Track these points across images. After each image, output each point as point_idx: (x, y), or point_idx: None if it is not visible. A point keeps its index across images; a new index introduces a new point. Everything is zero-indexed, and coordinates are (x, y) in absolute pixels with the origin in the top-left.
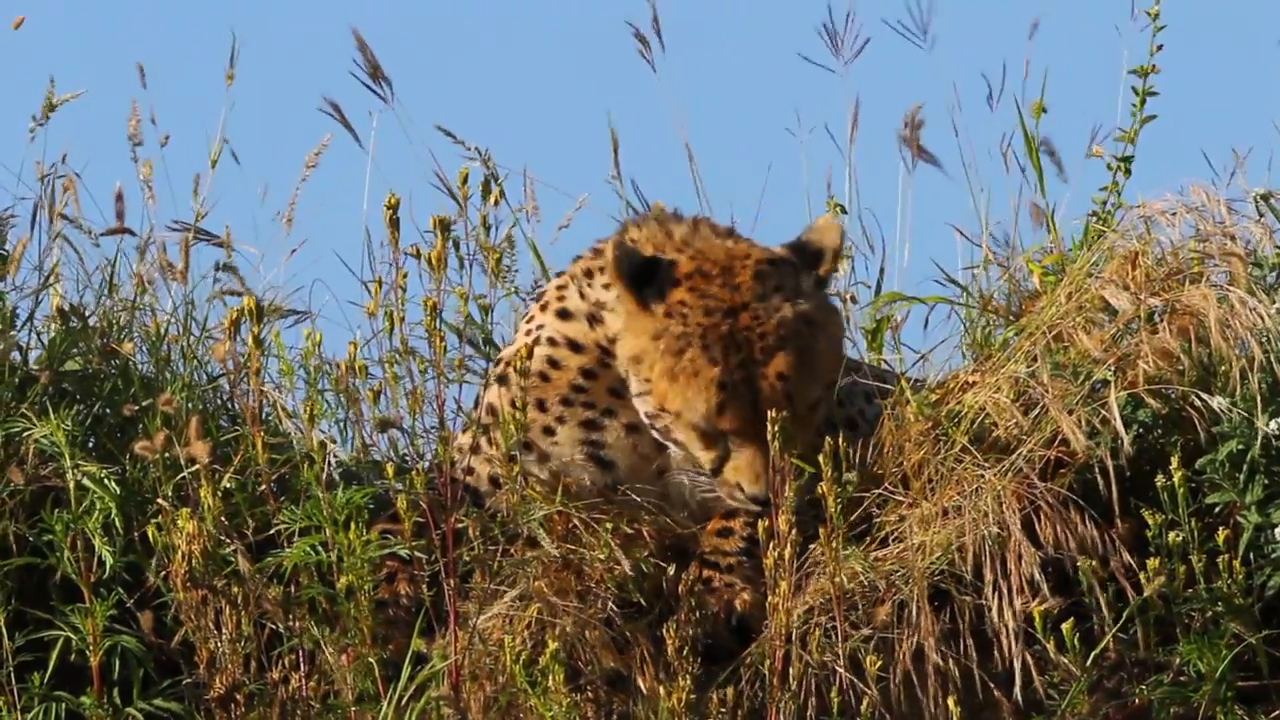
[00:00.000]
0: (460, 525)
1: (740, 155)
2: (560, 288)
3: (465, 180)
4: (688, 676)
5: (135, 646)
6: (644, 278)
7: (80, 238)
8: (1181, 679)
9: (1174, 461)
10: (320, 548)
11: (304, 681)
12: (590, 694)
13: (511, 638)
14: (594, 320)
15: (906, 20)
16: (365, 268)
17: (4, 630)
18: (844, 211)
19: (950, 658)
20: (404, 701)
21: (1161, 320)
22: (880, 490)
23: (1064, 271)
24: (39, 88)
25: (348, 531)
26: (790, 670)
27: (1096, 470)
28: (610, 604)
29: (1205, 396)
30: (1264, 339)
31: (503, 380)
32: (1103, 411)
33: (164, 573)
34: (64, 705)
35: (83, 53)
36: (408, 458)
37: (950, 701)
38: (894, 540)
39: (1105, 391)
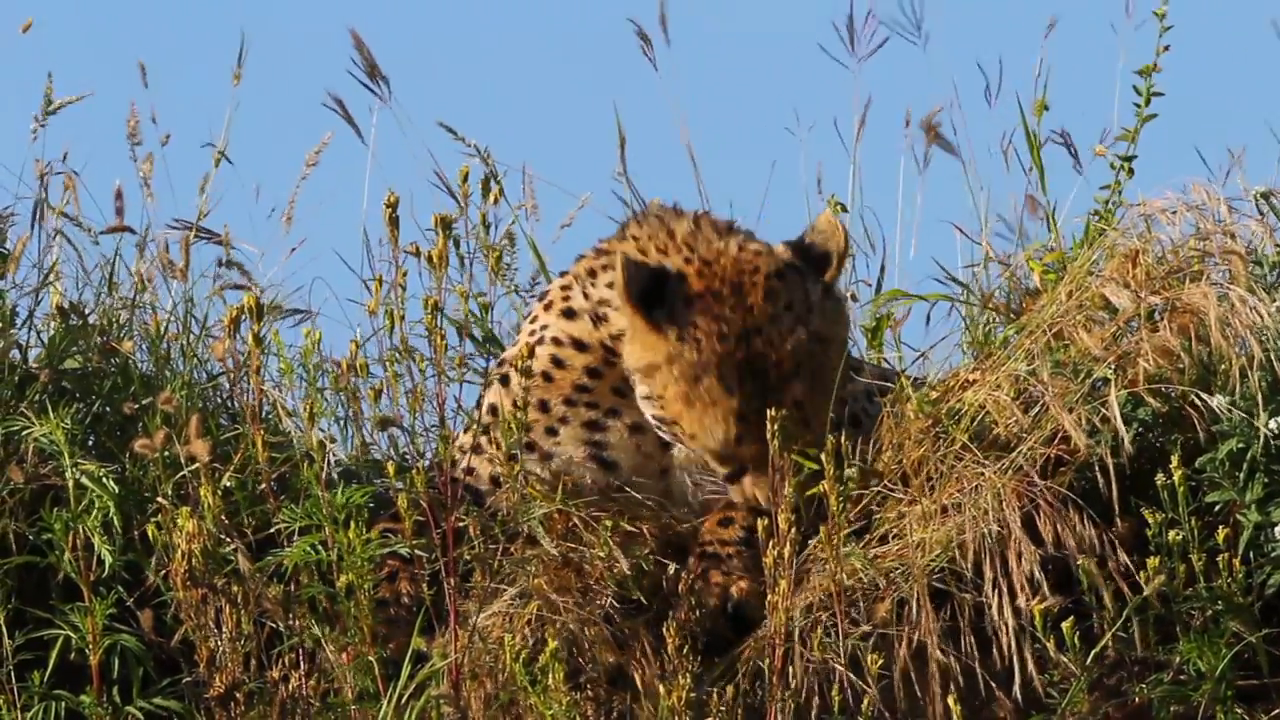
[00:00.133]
0: (461, 524)
1: (741, 153)
2: (565, 288)
3: (466, 178)
4: (688, 675)
5: (135, 645)
6: (653, 294)
7: (80, 236)
8: (1181, 678)
9: (1174, 460)
10: (320, 546)
11: (304, 680)
12: (590, 692)
13: (511, 636)
14: (598, 319)
15: (900, 18)
16: (365, 266)
17: (4, 629)
18: (844, 210)
19: (951, 655)
20: (404, 700)
21: (1162, 318)
22: (880, 487)
23: (1065, 270)
24: (41, 86)
25: (347, 530)
26: (790, 669)
27: (1097, 469)
28: (610, 601)
29: (1205, 396)
30: (1264, 337)
31: (505, 381)
32: (1103, 410)
33: (164, 571)
34: (64, 704)
35: (84, 51)
36: (408, 456)
37: (950, 700)
38: (894, 538)
39: (1105, 390)
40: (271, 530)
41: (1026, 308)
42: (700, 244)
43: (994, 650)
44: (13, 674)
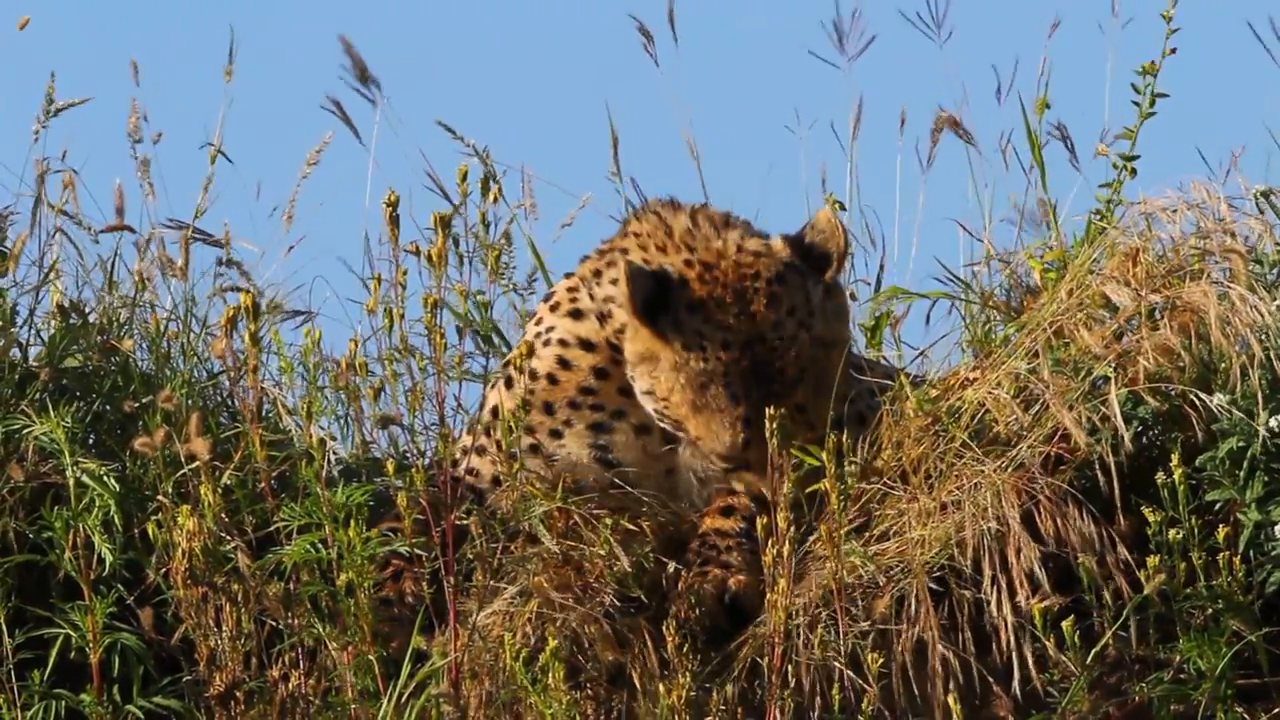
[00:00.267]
0: (461, 523)
1: (742, 151)
2: (571, 289)
3: (465, 177)
4: (688, 674)
5: (135, 644)
6: (657, 300)
7: (80, 234)
8: (1181, 676)
9: (1174, 458)
10: (320, 545)
11: (304, 679)
12: (590, 691)
13: (512, 634)
14: (604, 317)
15: (923, 13)
16: (365, 265)
17: (4, 627)
18: (843, 208)
19: (950, 651)
20: (404, 699)
21: (1162, 317)
22: (879, 485)
23: (1065, 268)
24: (39, 84)
25: (347, 529)
26: (789, 668)
27: (1097, 467)
28: (611, 599)
29: (1204, 397)
30: (1264, 336)
31: (509, 383)
32: (1103, 408)
33: (164, 570)
34: (64, 703)
35: (83, 51)
36: (408, 455)
37: (950, 700)
38: (894, 535)
39: (1106, 388)
40: (271, 529)
41: (1027, 306)
42: (699, 242)
43: (993, 648)
44: (13, 673)
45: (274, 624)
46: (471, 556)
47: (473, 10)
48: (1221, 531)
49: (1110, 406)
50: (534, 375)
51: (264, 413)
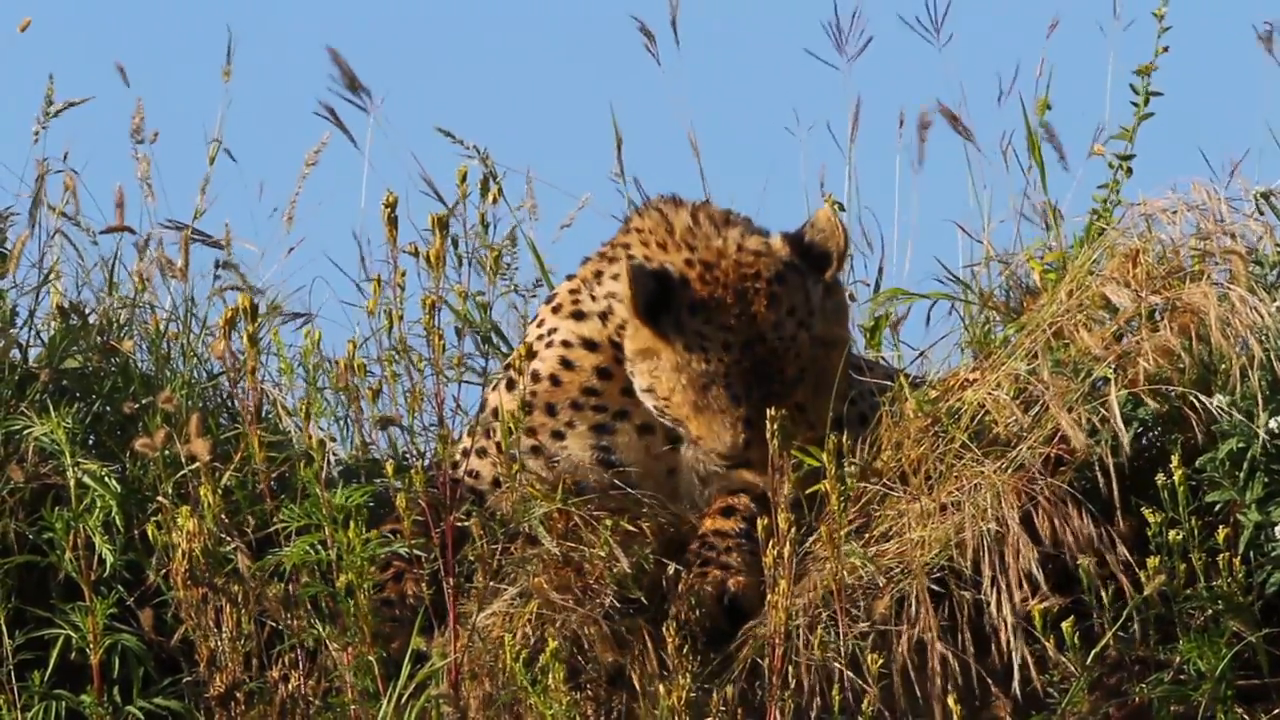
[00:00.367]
0: (461, 524)
1: (743, 152)
2: (573, 291)
3: (464, 178)
4: (687, 674)
5: (135, 645)
6: (658, 300)
7: (80, 235)
8: (1181, 677)
9: (1174, 460)
10: (320, 546)
11: (304, 680)
12: (590, 692)
13: (512, 635)
14: (606, 315)
15: (922, 16)
16: (361, 268)
17: (4, 628)
18: (842, 209)
19: (950, 652)
20: (404, 700)
21: (1162, 318)
22: (879, 485)
23: (1065, 269)
24: (39, 85)
25: (347, 530)
26: (789, 668)
27: (1096, 468)
28: (611, 600)
29: (1204, 398)
30: (1264, 337)
31: (511, 385)
32: (1103, 409)
33: (164, 571)
34: (64, 703)
35: (83, 51)
36: (407, 456)
37: (950, 701)
38: (893, 536)
39: (1105, 389)
40: (271, 530)
41: (1026, 307)
42: (700, 240)
43: (993, 649)
44: (13, 673)
45: (274, 625)
46: (471, 558)
47: (473, 12)
48: (1221, 533)
49: (1110, 408)
50: (536, 377)
51: (264, 414)
